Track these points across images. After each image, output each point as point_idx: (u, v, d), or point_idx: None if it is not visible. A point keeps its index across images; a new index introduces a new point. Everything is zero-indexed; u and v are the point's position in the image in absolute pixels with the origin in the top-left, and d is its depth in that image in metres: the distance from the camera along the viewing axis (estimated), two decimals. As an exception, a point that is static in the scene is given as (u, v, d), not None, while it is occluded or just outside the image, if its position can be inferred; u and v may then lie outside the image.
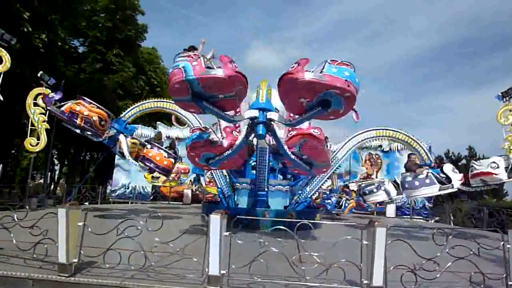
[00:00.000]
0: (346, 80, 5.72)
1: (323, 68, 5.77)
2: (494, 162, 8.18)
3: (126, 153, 9.31)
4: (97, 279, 4.30)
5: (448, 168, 8.55)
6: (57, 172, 35.02)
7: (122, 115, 10.98)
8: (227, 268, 4.27)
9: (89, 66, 25.85)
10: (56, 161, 33.45)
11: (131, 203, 20.27)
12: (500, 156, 8.63)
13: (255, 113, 7.39)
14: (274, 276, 4.39)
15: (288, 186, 10.74)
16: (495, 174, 8.09)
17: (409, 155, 10.29)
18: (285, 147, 8.10)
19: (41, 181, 32.80)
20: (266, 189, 10.11)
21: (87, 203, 16.62)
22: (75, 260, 4.49)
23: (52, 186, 32.10)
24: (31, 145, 12.33)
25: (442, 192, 8.32)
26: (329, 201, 14.36)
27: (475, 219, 15.73)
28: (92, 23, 26.59)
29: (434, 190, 8.24)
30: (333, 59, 5.92)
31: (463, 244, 4.53)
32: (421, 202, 20.62)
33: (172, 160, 10.34)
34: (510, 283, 4.31)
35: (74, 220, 4.56)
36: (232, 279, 4.29)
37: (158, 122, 23.58)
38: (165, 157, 10.16)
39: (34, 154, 13.32)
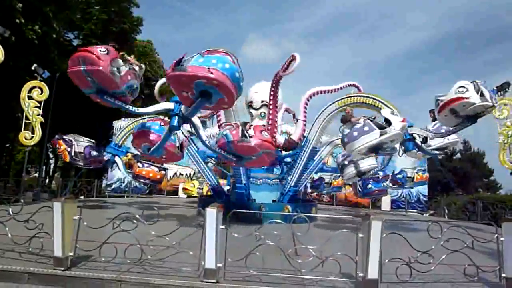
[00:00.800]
0: (208, 68, 5.43)
1: (191, 60, 5.65)
2: (461, 87, 6.73)
3: (122, 171, 9.99)
4: (93, 272, 4.31)
5: (386, 112, 7.52)
6: (52, 166, 34.85)
7: (113, 139, 11.65)
8: (223, 261, 4.29)
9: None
10: (51, 155, 33.28)
11: (127, 196, 20.24)
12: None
13: (170, 105, 7.31)
14: (270, 269, 4.41)
15: (276, 179, 10.70)
16: (466, 98, 6.54)
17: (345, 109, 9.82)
18: (204, 139, 8.15)
19: (36, 175, 32.68)
20: (244, 182, 10.20)
21: (82, 197, 16.59)
22: (71, 254, 4.49)
23: (47, 180, 31.97)
24: (25, 138, 12.28)
25: (384, 138, 6.92)
26: None
27: (469, 213, 15.84)
28: (86, 16, 26.29)
29: (374, 136, 6.98)
30: (209, 49, 5.78)
31: (457, 237, 4.57)
32: (416, 195, 20.77)
33: (163, 172, 12.33)
34: (503, 275, 4.36)
35: (70, 214, 4.55)
36: (228, 272, 4.30)
37: None
38: (156, 172, 11.98)
39: (29, 148, 13.23)
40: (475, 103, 6.49)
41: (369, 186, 12.71)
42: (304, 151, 10.55)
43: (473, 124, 7.16)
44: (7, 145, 27.97)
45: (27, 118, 12.22)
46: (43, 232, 4.78)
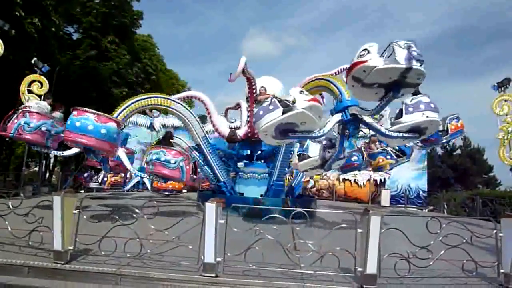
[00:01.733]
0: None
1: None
2: (364, 50, 5.63)
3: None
4: (93, 266, 4.32)
5: (294, 90, 6.64)
6: (52, 160, 34.87)
7: None
8: (222, 255, 4.30)
9: (84, 53, 25.57)
10: (51, 149, 33.20)
11: (127, 191, 20.26)
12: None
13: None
14: (269, 264, 4.42)
15: (264, 174, 10.66)
16: (364, 62, 5.45)
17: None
18: None
19: (36, 169, 32.69)
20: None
21: (82, 191, 16.62)
22: (71, 248, 4.50)
23: (47, 174, 32.00)
24: (25, 132, 12.22)
25: (286, 116, 6.25)
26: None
27: (468, 208, 15.89)
28: (86, 9, 26.21)
29: (276, 114, 6.31)
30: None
31: (456, 233, 4.58)
32: (415, 191, 20.82)
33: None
34: (501, 270, 4.37)
35: (69, 208, 4.56)
36: (227, 267, 4.32)
37: (153, 110, 23.43)
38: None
39: (29, 142, 13.20)
40: (374, 66, 5.42)
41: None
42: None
43: (396, 96, 6.00)
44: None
45: (27, 112, 12.18)
46: (43, 226, 4.79)
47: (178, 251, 4.77)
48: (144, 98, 8.95)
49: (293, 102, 6.27)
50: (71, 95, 22.08)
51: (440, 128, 9.60)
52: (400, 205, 19.51)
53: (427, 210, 19.09)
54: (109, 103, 24.22)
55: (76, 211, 4.64)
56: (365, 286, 4.04)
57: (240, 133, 10.86)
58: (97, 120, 6.67)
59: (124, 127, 8.34)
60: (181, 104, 9.57)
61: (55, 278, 4.24)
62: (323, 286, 4.09)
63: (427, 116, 6.46)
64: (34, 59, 12.34)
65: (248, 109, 10.41)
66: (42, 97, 11.11)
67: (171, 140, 9.52)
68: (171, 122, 21.58)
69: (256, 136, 9.43)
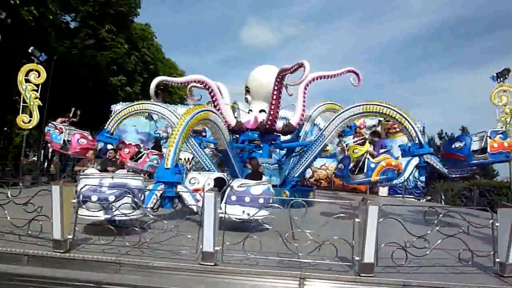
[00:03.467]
0: None
1: None
2: None
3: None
4: (92, 255, 4.35)
5: None
6: (50, 150, 34.79)
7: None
8: (221, 244, 4.33)
9: (81, 42, 25.34)
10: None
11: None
12: None
13: None
14: (267, 253, 4.46)
15: (276, 165, 10.73)
16: None
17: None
18: None
19: (35, 158, 32.64)
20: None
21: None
22: (70, 237, 4.52)
23: (46, 164, 31.97)
24: (23, 122, 12.24)
25: None
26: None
27: (465, 199, 15.96)
28: (84, -2, 25.92)
29: None
30: None
31: (453, 223, 4.61)
32: (413, 181, 20.87)
33: None
34: (497, 260, 4.42)
35: (68, 197, 4.56)
36: (226, 255, 4.35)
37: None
38: None
39: (27, 131, 13.18)
40: None
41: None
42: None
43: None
44: (5, 128, 27.89)
45: (24, 102, 12.14)
46: (42, 215, 4.80)
47: (177, 240, 4.80)
48: (201, 111, 8.25)
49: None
50: (69, 85, 21.95)
51: (476, 145, 7.91)
52: (398, 195, 19.59)
53: (424, 200, 19.19)
54: (106, 92, 24.11)
55: (75, 200, 4.65)
56: (362, 274, 4.08)
57: (248, 124, 10.92)
58: None
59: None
60: (217, 115, 9.22)
61: (54, 267, 4.27)
62: (320, 274, 4.13)
63: None
64: (31, 48, 12.25)
65: (271, 103, 10.18)
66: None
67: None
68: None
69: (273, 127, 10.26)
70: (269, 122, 10.26)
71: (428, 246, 4.41)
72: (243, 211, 5.47)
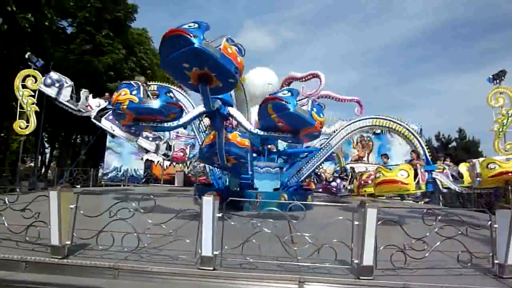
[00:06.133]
0: None
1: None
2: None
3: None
4: (90, 261, 4.33)
5: None
6: (48, 155, 34.74)
7: None
8: (220, 249, 4.31)
9: (78, 48, 25.35)
10: (46, 144, 33.12)
11: (124, 185, 20.24)
12: None
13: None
14: (266, 257, 4.45)
15: (277, 168, 10.74)
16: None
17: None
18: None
19: (32, 164, 32.56)
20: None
21: (79, 186, 16.56)
22: (68, 242, 4.50)
23: (43, 170, 31.88)
24: (20, 128, 12.19)
25: None
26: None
27: (464, 200, 15.98)
28: (80, 3, 25.93)
29: None
30: None
31: (451, 224, 4.62)
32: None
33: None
34: (496, 261, 4.42)
35: (66, 202, 4.55)
36: (225, 260, 4.34)
37: None
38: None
39: (24, 137, 13.14)
40: None
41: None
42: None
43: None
44: (2, 134, 27.82)
45: (21, 107, 12.12)
46: (39, 221, 4.77)
47: (175, 244, 4.78)
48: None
49: None
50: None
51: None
52: (396, 198, 19.59)
53: (423, 202, 19.19)
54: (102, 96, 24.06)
55: (72, 206, 4.63)
56: (361, 277, 4.07)
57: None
58: None
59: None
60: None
61: (52, 273, 4.23)
62: (320, 278, 4.12)
63: None
64: (28, 53, 12.24)
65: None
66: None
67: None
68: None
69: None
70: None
71: (427, 248, 4.41)
72: None
